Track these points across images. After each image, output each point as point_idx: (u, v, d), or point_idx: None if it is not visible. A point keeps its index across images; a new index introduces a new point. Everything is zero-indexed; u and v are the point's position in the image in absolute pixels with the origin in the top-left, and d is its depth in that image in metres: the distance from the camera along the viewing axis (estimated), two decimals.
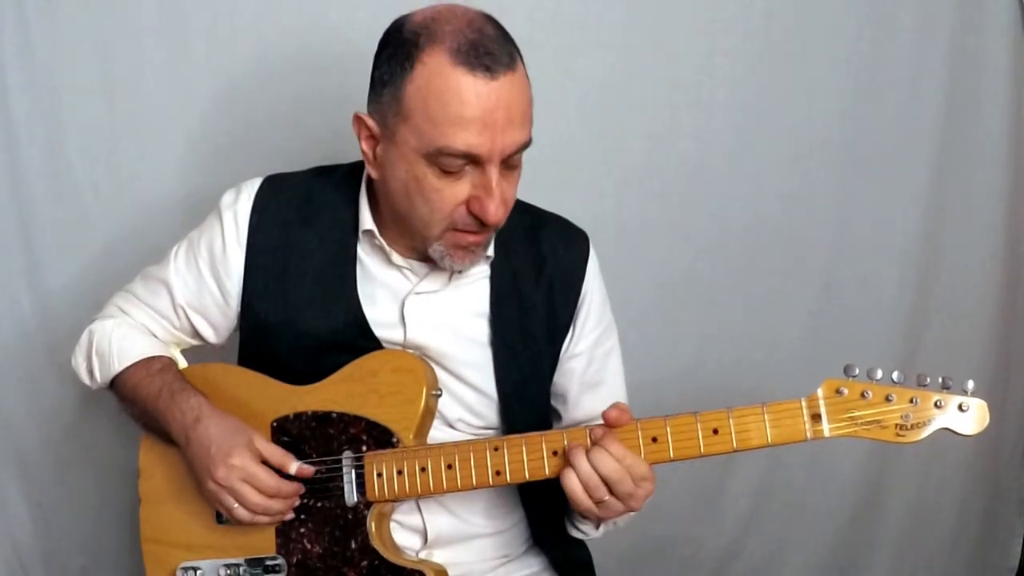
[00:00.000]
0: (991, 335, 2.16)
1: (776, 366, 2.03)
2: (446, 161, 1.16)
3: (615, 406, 1.20)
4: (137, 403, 1.34)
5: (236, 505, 1.22)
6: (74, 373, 1.42)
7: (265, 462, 1.24)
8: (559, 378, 1.41)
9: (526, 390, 1.36)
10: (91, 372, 1.39)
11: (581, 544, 1.43)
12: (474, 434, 1.34)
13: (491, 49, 1.15)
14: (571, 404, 1.42)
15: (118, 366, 1.35)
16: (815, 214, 2.04)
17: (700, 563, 2.11)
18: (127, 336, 1.38)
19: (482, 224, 1.21)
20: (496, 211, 1.18)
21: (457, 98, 1.14)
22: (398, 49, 1.18)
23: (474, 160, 1.17)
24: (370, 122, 1.23)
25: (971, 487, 2.21)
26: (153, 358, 1.36)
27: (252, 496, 1.22)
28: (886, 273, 2.09)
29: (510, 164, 1.20)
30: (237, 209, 1.34)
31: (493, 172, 1.17)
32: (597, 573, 1.47)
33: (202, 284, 1.36)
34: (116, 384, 1.37)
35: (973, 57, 2.04)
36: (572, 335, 1.39)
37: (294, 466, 1.24)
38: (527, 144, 1.20)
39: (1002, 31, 2.04)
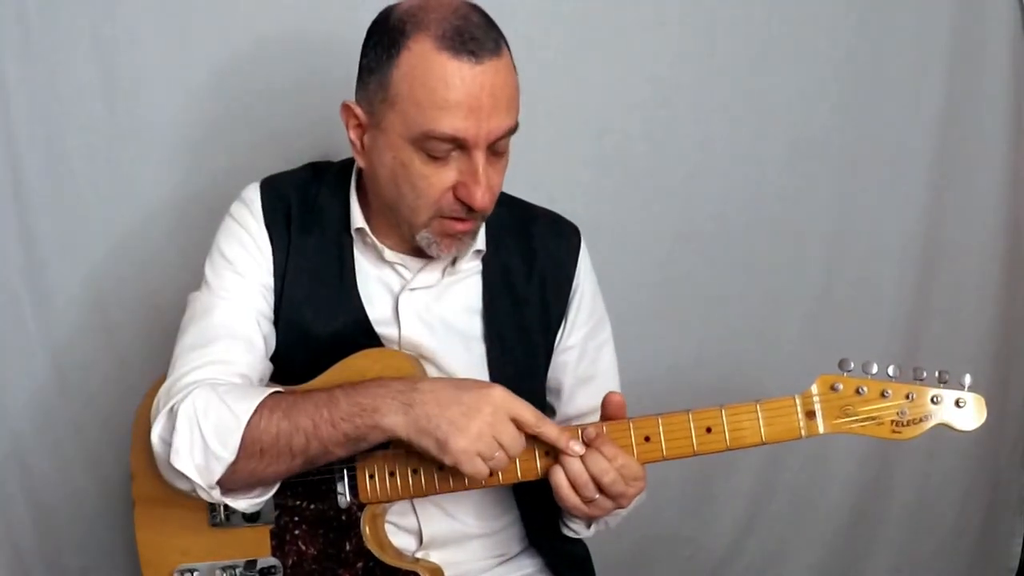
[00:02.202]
0: (991, 335, 2.16)
1: (775, 366, 2.03)
2: (432, 146, 1.17)
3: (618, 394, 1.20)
4: (292, 434, 1.13)
5: (498, 452, 1.12)
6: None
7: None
8: (553, 372, 1.41)
9: (520, 385, 1.35)
10: (207, 452, 1.12)
11: (578, 542, 1.43)
12: None
13: (476, 35, 1.16)
14: (565, 398, 1.42)
15: (245, 414, 1.13)
16: (815, 214, 2.04)
17: (700, 563, 2.11)
18: (230, 389, 1.16)
19: (469, 210, 1.21)
20: (483, 197, 1.19)
21: (443, 82, 1.14)
22: (384, 37, 1.19)
23: (461, 145, 1.17)
24: (357, 110, 1.24)
25: (971, 487, 2.21)
26: (272, 392, 1.16)
27: (511, 432, 1.13)
28: (886, 273, 2.09)
29: (496, 150, 1.21)
30: (252, 210, 1.33)
31: (480, 157, 1.18)
32: (597, 574, 1.47)
33: (256, 295, 1.29)
34: (244, 446, 1.12)
35: (973, 57, 2.04)
36: (565, 328, 1.40)
37: (576, 446, 1.14)
38: (514, 129, 1.21)
39: (1002, 31, 2.04)
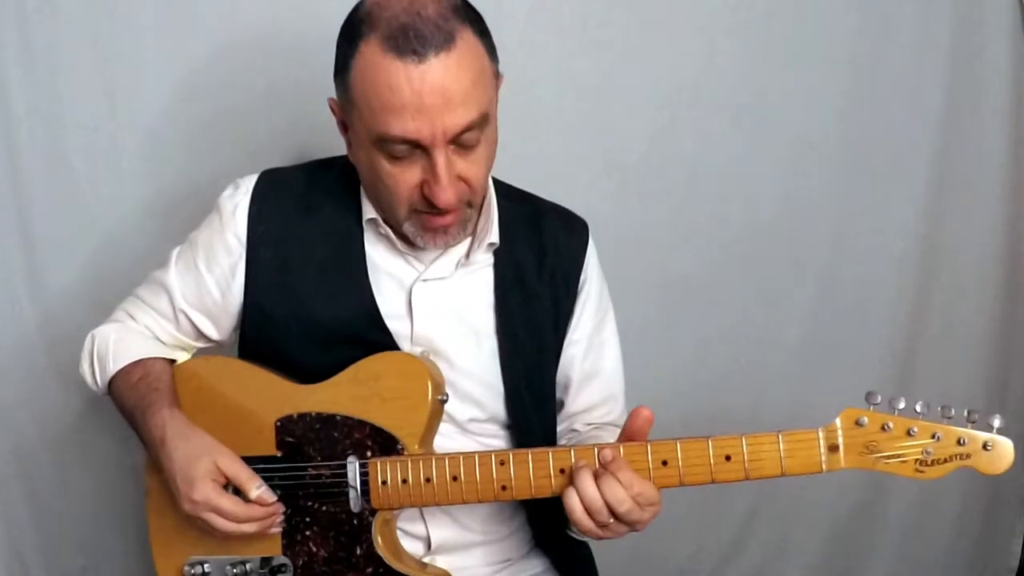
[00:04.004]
0: (991, 336, 2.16)
1: (775, 366, 2.03)
2: (390, 148, 1.17)
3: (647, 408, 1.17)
4: (124, 412, 1.36)
5: (211, 528, 1.23)
6: (80, 377, 1.41)
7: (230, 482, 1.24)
8: (562, 368, 1.41)
9: (531, 380, 1.36)
10: (94, 376, 1.39)
11: (582, 542, 1.42)
12: (483, 430, 1.34)
13: (423, 31, 1.13)
14: (572, 392, 1.42)
15: (112, 368, 1.36)
16: (815, 214, 2.04)
17: (700, 563, 2.11)
18: (124, 340, 1.38)
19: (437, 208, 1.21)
20: (444, 195, 1.18)
21: (387, 86, 1.14)
22: (346, 36, 1.20)
23: (417, 145, 1.17)
24: (335, 107, 1.26)
25: (971, 487, 2.21)
26: (138, 363, 1.35)
27: (221, 523, 1.22)
28: (886, 273, 2.09)
29: (463, 144, 1.19)
30: (236, 204, 1.34)
31: (439, 156, 1.17)
32: (599, 572, 1.47)
33: (201, 283, 1.35)
34: (111, 389, 1.38)
35: (973, 57, 2.04)
36: (573, 322, 1.40)
37: (254, 492, 1.22)
38: (476, 123, 1.18)
39: (1002, 31, 2.04)
